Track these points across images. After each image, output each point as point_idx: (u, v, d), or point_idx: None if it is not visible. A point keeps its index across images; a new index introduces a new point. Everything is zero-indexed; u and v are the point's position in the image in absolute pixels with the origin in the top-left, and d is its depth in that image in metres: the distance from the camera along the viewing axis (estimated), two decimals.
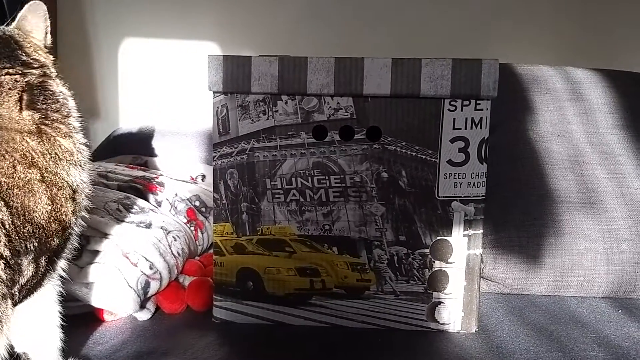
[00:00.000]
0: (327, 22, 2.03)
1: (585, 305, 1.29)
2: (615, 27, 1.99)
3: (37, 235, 0.80)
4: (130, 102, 2.08)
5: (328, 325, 1.14)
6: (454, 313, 1.13)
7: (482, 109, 1.11)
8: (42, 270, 0.84)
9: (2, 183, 0.77)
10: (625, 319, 1.22)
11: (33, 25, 0.98)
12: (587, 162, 1.43)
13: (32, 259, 0.79)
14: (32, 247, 0.79)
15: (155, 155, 1.80)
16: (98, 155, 1.90)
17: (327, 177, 1.14)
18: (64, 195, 0.84)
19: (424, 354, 1.05)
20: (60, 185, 0.84)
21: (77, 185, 0.88)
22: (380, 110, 1.13)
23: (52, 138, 0.86)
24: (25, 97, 0.86)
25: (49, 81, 0.94)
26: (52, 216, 0.82)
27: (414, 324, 1.14)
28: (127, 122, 2.05)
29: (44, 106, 0.88)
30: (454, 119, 1.11)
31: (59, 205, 0.83)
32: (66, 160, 0.87)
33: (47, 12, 1.00)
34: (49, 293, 0.90)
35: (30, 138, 0.83)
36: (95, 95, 2.08)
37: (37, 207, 0.80)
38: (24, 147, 0.81)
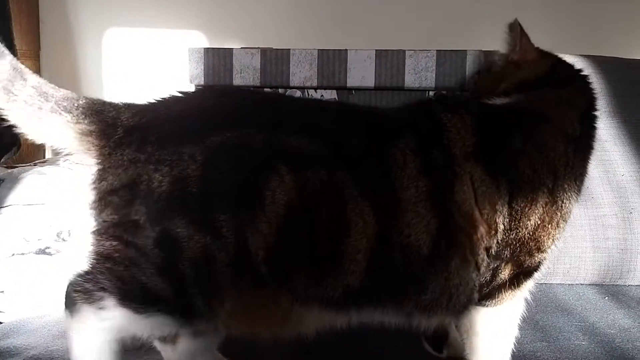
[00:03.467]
0: (312, 12, 2.01)
1: (572, 292, 1.29)
2: (605, 11, 1.98)
3: None
4: (115, 92, 2.04)
5: None
6: None
7: None
8: None
9: None
10: (611, 305, 1.22)
11: None
12: None
13: None
14: None
15: None
16: None
17: None
18: None
19: (409, 334, 1.02)
20: None
21: None
22: (364, 103, 1.12)
23: None
24: None
25: None
26: None
27: None
28: None
29: None
30: None
31: None
32: None
33: None
34: None
35: None
36: (78, 86, 2.05)
37: None
38: None
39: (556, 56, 1.06)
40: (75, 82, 2.05)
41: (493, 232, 0.82)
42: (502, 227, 0.82)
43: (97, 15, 2.02)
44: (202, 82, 1.13)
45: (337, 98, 1.12)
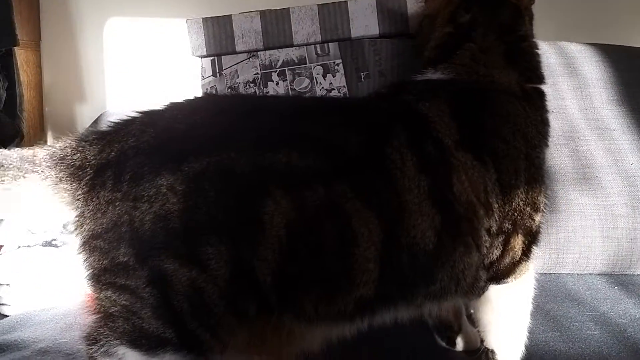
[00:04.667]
0: None
1: (582, 282, 1.28)
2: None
3: None
4: (117, 83, 2.03)
5: None
6: None
7: None
8: None
9: None
10: (621, 295, 1.21)
11: None
12: (582, 137, 1.41)
13: None
14: None
15: None
16: None
17: None
18: None
19: (415, 326, 1.00)
20: None
21: None
22: (374, 90, 1.11)
23: None
24: None
25: None
26: None
27: None
28: (115, 105, 2.01)
29: None
30: None
31: None
32: None
33: None
34: None
35: None
36: (80, 77, 2.03)
37: None
38: None
39: None
40: (76, 72, 2.03)
41: (490, 212, 0.83)
42: (496, 205, 0.84)
43: (98, 4, 2.00)
44: (204, 53, 1.10)
45: (345, 85, 1.10)
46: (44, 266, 1.22)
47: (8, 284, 1.21)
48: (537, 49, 1.03)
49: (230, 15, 1.08)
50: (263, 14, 1.09)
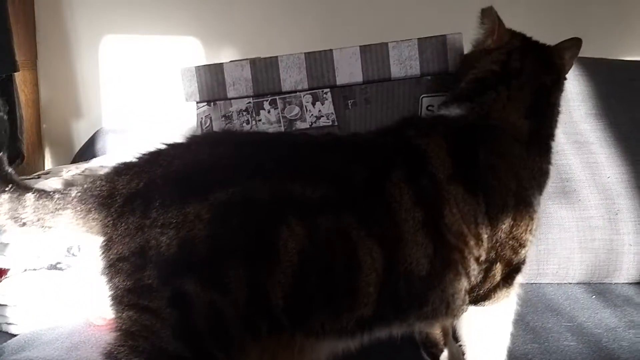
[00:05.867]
0: (303, 12, 2.04)
1: (561, 292, 1.35)
2: (590, 12, 2.01)
3: None
4: (113, 100, 2.08)
5: None
6: None
7: None
8: None
9: None
10: (598, 304, 1.28)
11: None
12: (561, 151, 1.47)
13: None
14: None
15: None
16: (81, 155, 1.91)
17: None
18: None
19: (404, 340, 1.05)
20: None
21: None
22: (360, 117, 1.16)
23: None
24: None
25: None
26: None
27: None
28: (111, 121, 2.06)
29: None
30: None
31: None
32: None
33: None
34: None
35: None
36: (77, 95, 2.08)
37: None
38: None
39: (520, 38, 1.11)
40: (73, 90, 2.08)
41: (480, 242, 0.89)
42: (485, 236, 0.90)
43: (93, 23, 2.04)
44: (197, 99, 1.17)
45: (334, 112, 1.15)
46: (49, 288, 1.27)
47: (15, 305, 1.27)
48: (559, 114, 1.10)
49: (222, 63, 1.14)
50: (253, 62, 1.14)
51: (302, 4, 2.04)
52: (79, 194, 0.84)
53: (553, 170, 1.34)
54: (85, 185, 0.85)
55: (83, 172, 1.56)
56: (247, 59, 1.17)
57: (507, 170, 0.93)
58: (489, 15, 1.09)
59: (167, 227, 0.77)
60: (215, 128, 1.18)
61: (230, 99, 1.16)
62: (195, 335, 0.78)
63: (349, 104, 1.16)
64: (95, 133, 1.97)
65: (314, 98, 1.15)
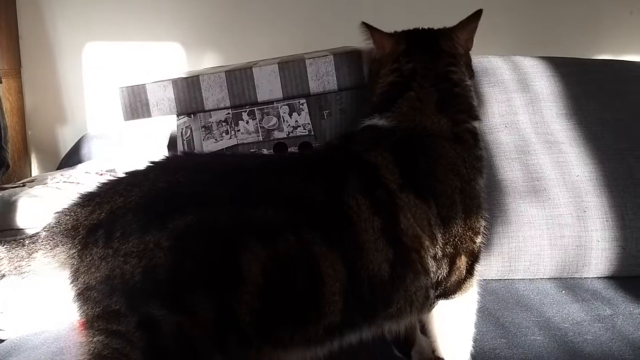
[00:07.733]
0: (286, 17, 2.07)
1: (532, 287, 1.39)
2: (560, 12, 2.06)
3: None
4: (97, 106, 2.10)
5: None
6: None
7: None
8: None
9: None
10: (567, 299, 1.33)
11: None
12: (532, 151, 1.51)
13: None
14: None
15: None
16: (67, 161, 1.94)
17: None
18: None
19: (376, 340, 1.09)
20: None
21: None
22: (336, 127, 1.20)
23: None
24: None
25: None
26: None
27: None
28: (95, 127, 2.09)
29: None
30: None
31: None
32: None
33: None
34: None
35: None
36: (61, 101, 2.11)
37: None
38: None
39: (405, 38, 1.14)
40: (57, 97, 2.11)
41: (435, 241, 0.95)
42: (439, 234, 0.96)
43: (76, 30, 2.08)
44: (129, 119, 1.20)
45: (310, 122, 1.19)
46: (35, 294, 1.30)
47: (2, 312, 1.30)
48: (471, 91, 1.13)
49: (145, 84, 1.17)
50: (175, 82, 1.17)
51: (282, 9, 2.08)
52: (46, 233, 0.86)
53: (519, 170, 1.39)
54: (51, 222, 0.88)
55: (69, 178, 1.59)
56: (169, 79, 1.19)
57: (447, 172, 0.99)
58: (364, 30, 1.14)
59: (129, 256, 0.80)
60: (196, 138, 1.21)
61: (155, 117, 1.20)
62: (164, 356, 0.81)
63: (325, 115, 1.20)
64: (80, 139, 2.00)
65: (290, 109, 1.18)
